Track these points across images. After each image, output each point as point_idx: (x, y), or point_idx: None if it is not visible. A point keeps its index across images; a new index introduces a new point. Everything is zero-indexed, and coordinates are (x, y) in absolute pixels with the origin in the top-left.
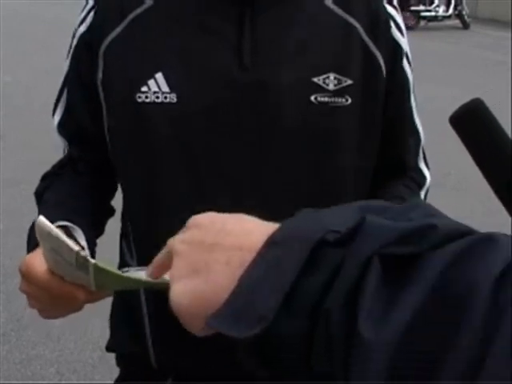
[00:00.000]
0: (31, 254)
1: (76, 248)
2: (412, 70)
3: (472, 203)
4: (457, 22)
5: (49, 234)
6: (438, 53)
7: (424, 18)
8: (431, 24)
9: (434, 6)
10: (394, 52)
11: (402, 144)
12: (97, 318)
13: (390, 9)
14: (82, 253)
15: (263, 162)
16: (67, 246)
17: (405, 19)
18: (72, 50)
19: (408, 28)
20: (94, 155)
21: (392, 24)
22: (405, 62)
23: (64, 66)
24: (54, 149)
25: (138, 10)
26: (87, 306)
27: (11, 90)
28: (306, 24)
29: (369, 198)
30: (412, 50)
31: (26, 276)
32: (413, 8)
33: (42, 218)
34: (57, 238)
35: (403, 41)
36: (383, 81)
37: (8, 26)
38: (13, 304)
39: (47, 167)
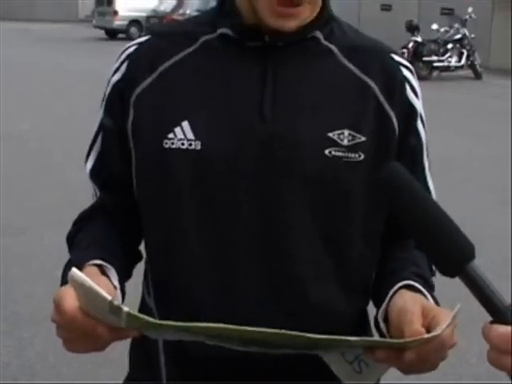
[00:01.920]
0: (66, 286)
1: (109, 298)
2: (426, 131)
3: (488, 254)
4: (469, 72)
5: (82, 285)
6: (450, 103)
7: (437, 68)
8: (444, 74)
9: (446, 56)
10: (409, 113)
11: None
12: (108, 369)
13: (405, 72)
14: (115, 302)
15: (278, 209)
16: (100, 295)
17: (418, 70)
18: (106, 98)
19: (421, 78)
20: (124, 200)
21: (407, 86)
22: (419, 122)
23: (99, 112)
24: (71, 194)
25: (167, 64)
26: (98, 357)
27: (28, 137)
28: (324, 81)
29: (381, 253)
30: (425, 99)
31: (56, 307)
32: (426, 59)
33: (74, 270)
34: (90, 288)
35: (417, 102)
36: (396, 140)
37: (27, 75)
38: (25, 351)
39: (61, 212)
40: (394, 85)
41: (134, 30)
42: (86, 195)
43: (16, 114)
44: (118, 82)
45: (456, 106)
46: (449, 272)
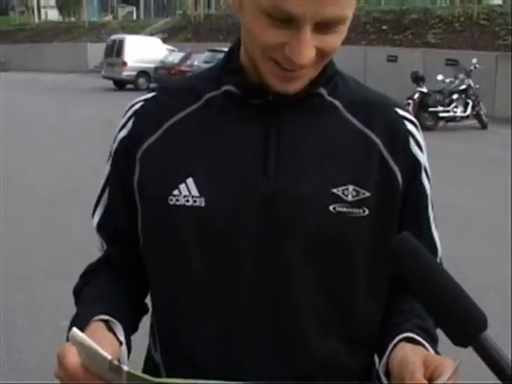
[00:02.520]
0: (69, 343)
1: (109, 357)
2: (430, 184)
3: (493, 303)
4: (475, 122)
5: (82, 344)
6: (456, 152)
7: (443, 118)
8: (450, 124)
9: (452, 106)
10: (413, 167)
11: None
12: None
13: (409, 126)
14: (115, 362)
15: (281, 266)
16: (100, 354)
17: (424, 120)
18: (112, 153)
19: (427, 129)
20: (131, 254)
21: (411, 140)
22: (423, 175)
23: (104, 168)
24: (77, 243)
25: (172, 120)
26: None
27: (35, 186)
28: (328, 137)
29: (385, 305)
30: (431, 150)
31: (59, 363)
32: (431, 109)
33: (75, 330)
34: (90, 347)
35: (422, 156)
36: (400, 195)
37: (36, 124)
38: None
39: (67, 262)
40: (398, 139)
41: (142, 80)
42: (92, 245)
43: (24, 163)
44: (125, 138)
45: (462, 155)
46: (462, 343)
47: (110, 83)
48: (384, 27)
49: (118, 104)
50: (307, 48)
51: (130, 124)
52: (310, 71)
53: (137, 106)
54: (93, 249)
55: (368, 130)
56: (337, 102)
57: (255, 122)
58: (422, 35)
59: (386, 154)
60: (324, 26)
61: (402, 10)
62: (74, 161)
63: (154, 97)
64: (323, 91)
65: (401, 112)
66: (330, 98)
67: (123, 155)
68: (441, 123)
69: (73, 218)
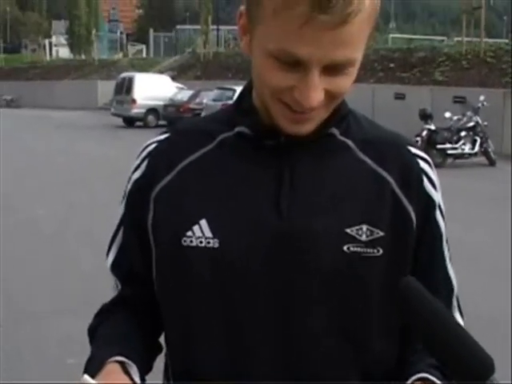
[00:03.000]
0: None
1: None
2: (445, 222)
3: (504, 345)
4: (483, 159)
5: None
6: (465, 190)
7: (451, 155)
8: (458, 161)
9: (460, 144)
10: (427, 205)
11: (434, 293)
12: None
13: (422, 164)
14: None
15: (294, 306)
16: None
17: (432, 157)
18: (127, 194)
19: (435, 166)
20: (145, 294)
21: (425, 179)
22: (437, 213)
23: (119, 209)
24: (85, 280)
25: (186, 162)
26: None
27: (44, 223)
28: (340, 176)
29: (400, 351)
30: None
31: None
32: (439, 146)
33: (86, 377)
34: None
35: (436, 194)
36: (414, 233)
37: (46, 160)
38: None
39: (75, 299)
40: (412, 178)
41: (151, 118)
42: (100, 283)
43: (33, 199)
44: (139, 179)
45: (470, 192)
46: None
47: (120, 120)
48: (392, 65)
49: (127, 141)
50: (315, 91)
51: (144, 165)
52: (320, 113)
53: (150, 148)
54: (101, 286)
55: (381, 168)
56: (349, 142)
57: (268, 163)
58: (430, 73)
59: (399, 192)
60: (333, 69)
61: (409, 49)
62: (83, 198)
63: (167, 138)
64: (335, 131)
65: (414, 150)
66: (342, 138)
67: (137, 196)
68: (449, 160)
69: (81, 256)
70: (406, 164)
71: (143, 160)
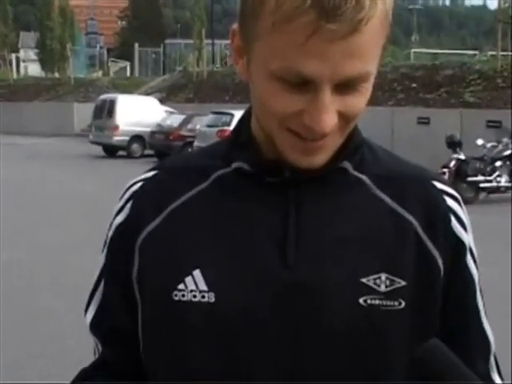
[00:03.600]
0: None
1: None
2: (477, 267)
3: None
4: None
5: None
6: (501, 230)
7: (484, 189)
8: (493, 196)
9: (494, 175)
10: (456, 249)
11: (468, 353)
12: None
13: (450, 201)
14: None
15: (303, 365)
16: None
17: (462, 192)
18: (108, 241)
19: (466, 202)
20: (129, 356)
21: (453, 218)
22: (468, 258)
23: (100, 258)
24: (61, 338)
25: (176, 203)
26: None
27: (8, 269)
28: (354, 217)
29: None
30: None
31: None
32: (470, 179)
33: None
34: None
35: (466, 236)
36: (441, 282)
37: (13, 196)
38: None
39: (50, 361)
40: (437, 218)
41: (136, 146)
42: (72, 334)
43: None
44: (122, 224)
45: (507, 232)
46: None
47: (99, 149)
48: (414, 85)
49: (107, 174)
50: (328, 114)
51: (127, 208)
52: (335, 139)
53: (135, 187)
54: (78, 345)
55: (401, 208)
56: (364, 177)
57: (271, 203)
58: (459, 93)
59: (423, 235)
60: (345, 86)
61: (434, 65)
62: (54, 240)
63: (154, 176)
64: (348, 165)
65: (439, 186)
66: (355, 173)
67: (120, 244)
68: (482, 195)
69: (51, 307)
70: (430, 202)
71: (127, 202)
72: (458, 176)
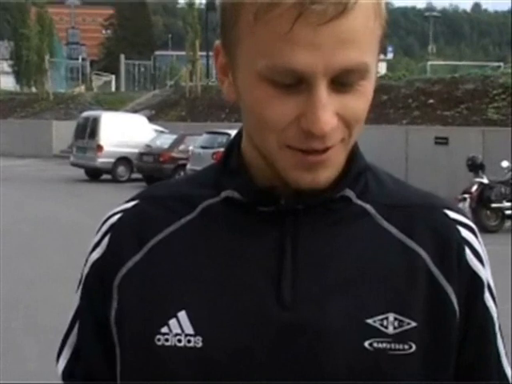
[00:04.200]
0: None
1: None
2: (496, 305)
3: None
4: None
5: None
6: None
7: (509, 217)
8: None
9: None
10: (472, 286)
11: None
12: None
13: (464, 232)
14: None
15: None
16: None
17: (485, 220)
18: (83, 279)
19: (489, 231)
20: None
21: (467, 251)
22: (486, 295)
23: (75, 297)
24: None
25: (159, 237)
26: None
27: None
28: (358, 251)
29: None
30: (495, 258)
31: None
32: (495, 205)
33: None
34: None
35: (483, 270)
36: (457, 322)
37: None
38: None
39: None
40: (450, 251)
41: (122, 169)
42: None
43: None
44: (99, 260)
45: None
46: None
47: (81, 172)
48: (431, 101)
49: (89, 200)
50: (325, 111)
51: (104, 242)
52: (338, 152)
53: (113, 219)
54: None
55: (410, 240)
56: (368, 207)
57: (265, 235)
58: (481, 110)
59: (435, 270)
60: (342, 85)
61: (453, 79)
62: (30, 272)
63: (135, 207)
64: (350, 193)
65: (452, 215)
66: (359, 202)
67: (97, 283)
68: (507, 223)
69: (26, 344)
70: (442, 233)
71: (104, 236)
72: (481, 202)
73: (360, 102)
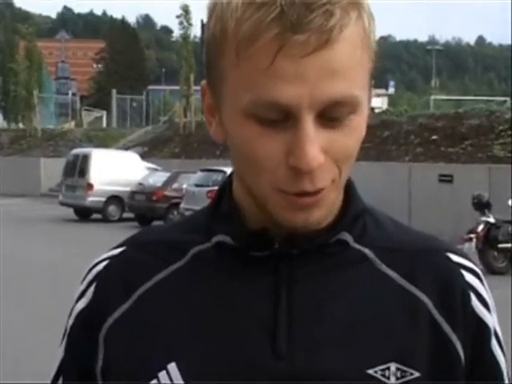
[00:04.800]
0: None
1: None
2: (504, 353)
3: None
4: None
5: None
6: None
7: None
8: None
9: None
10: (478, 333)
11: None
12: None
13: (468, 277)
14: None
15: None
16: None
17: (492, 261)
18: (68, 331)
19: (496, 272)
20: None
21: (472, 296)
22: (493, 343)
23: (58, 350)
24: None
25: (148, 285)
26: None
27: None
28: (357, 296)
29: None
30: (502, 303)
31: None
32: (502, 246)
33: None
34: None
35: (489, 317)
36: (462, 371)
37: None
38: None
39: None
40: (454, 296)
41: (113, 209)
42: None
43: None
44: (84, 310)
45: None
46: None
47: (71, 212)
48: (434, 137)
49: (79, 240)
50: (312, 145)
51: (90, 292)
52: (329, 193)
53: (99, 267)
54: None
55: (412, 285)
56: (367, 251)
57: (258, 281)
58: (487, 147)
59: (438, 317)
60: (330, 119)
61: (457, 114)
62: (14, 321)
63: (121, 253)
64: (348, 237)
65: (456, 258)
66: (357, 246)
67: (82, 334)
68: None
69: None
70: (445, 278)
71: (89, 285)
72: (488, 242)
73: (350, 138)
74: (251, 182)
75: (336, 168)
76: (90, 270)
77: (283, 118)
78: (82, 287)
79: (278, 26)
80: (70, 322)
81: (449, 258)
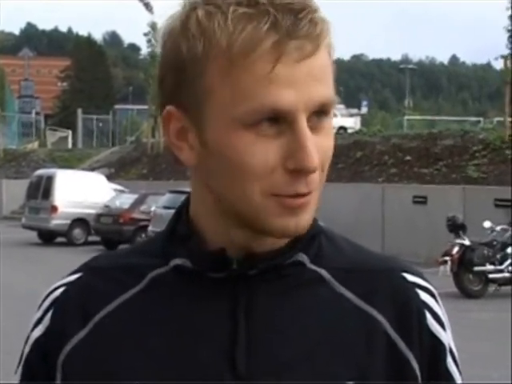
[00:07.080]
0: None
1: None
2: (460, 371)
3: None
4: None
5: None
6: None
7: (494, 281)
8: (504, 289)
9: (506, 264)
10: (433, 351)
11: None
12: None
13: (423, 296)
14: None
15: None
16: None
17: (467, 284)
18: (24, 359)
19: (472, 296)
20: None
21: (428, 315)
22: (449, 360)
23: (14, 378)
24: None
25: (106, 310)
26: None
27: None
28: (315, 318)
29: None
30: (477, 325)
31: None
32: (477, 269)
33: None
34: None
35: (444, 334)
36: None
37: None
38: None
39: None
40: (410, 316)
41: (78, 232)
42: None
43: None
44: (41, 338)
45: None
46: None
47: (34, 235)
48: (408, 158)
49: (43, 265)
50: (311, 144)
51: (47, 319)
52: (315, 196)
53: (56, 294)
54: None
55: (368, 305)
56: (323, 272)
57: (217, 303)
58: (461, 167)
59: (394, 336)
60: (314, 121)
61: (431, 135)
62: None
63: (78, 279)
64: (304, 257)
65: (411, 278)
66: (313, 267)
67: (39, 362)
68: (491, 288)
69: None
70: (400, 297)
71: (46, 312)
72: (463, 265)
73: (330, 139)
74: (238, 195)
75: (321, 170)
76: (47, 296)
77: (277, 125)
78: (39, 314)
79: (276, 33)
80: (27, 349)
81: (404, 278)
